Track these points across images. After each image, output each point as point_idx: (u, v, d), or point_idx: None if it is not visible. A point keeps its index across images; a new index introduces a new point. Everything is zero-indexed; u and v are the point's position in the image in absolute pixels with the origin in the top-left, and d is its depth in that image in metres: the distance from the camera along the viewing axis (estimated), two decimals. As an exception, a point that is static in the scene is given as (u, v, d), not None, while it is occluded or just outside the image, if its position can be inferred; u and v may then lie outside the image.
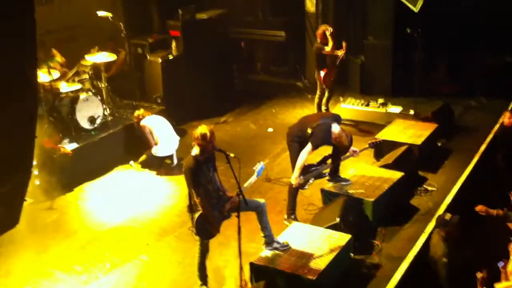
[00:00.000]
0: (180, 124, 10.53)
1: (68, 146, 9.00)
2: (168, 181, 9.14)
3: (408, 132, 9.30)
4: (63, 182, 8.70)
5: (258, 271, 6.33)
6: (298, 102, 11.98)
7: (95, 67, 10.01)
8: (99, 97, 9.62)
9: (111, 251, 7.38)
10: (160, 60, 10.87)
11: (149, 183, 9.14)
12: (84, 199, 8.72)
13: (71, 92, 9.47)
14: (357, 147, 7.70)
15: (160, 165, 9.38)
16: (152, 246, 7.51)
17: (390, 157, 8.56)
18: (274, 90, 12.61)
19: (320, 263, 6.25)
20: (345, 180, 7.85)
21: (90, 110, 9.43)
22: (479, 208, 6.83)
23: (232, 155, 5.81)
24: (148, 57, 11.09)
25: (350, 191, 7.61)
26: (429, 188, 8.34)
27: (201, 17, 11.42)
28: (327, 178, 7.78)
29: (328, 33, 9.91)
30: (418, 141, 8.94)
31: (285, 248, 6.49)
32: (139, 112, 9.46)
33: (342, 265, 6.61)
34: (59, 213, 8.33)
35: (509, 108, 10.06)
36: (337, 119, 7.49)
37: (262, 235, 6.41)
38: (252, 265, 6.35)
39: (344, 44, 10.06)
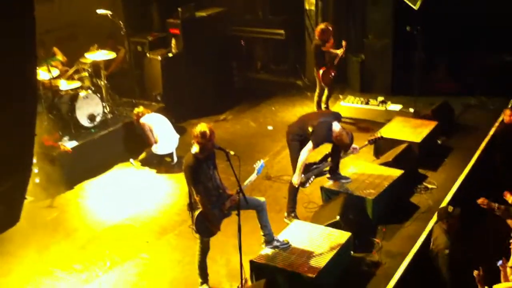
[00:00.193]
0: (180, 122, 10.53)
1: (68, 144, 9.00)
2: (168, 179, 9.14)
3: (408, 130, 9.28)
4: (63, 180, 8.69)
5: (258, 269, 6.33)
6: (298, 100, 11.96)
7: (95, 65, 10.01)
8: (98, 95, 9.63)
9: (111, 249, 7.39)
10: (159, 58, 10.87)
11: (149, 181, 9.14)
12: (84, 197, 8.73)
13: (71, 90, 9.47)
14: (357, 145, 7.69)
15: (160, 163, 9.38)
16: (152, 244, 7.51)
17: (390, 155, 8.56)
18: (274, 88, 12.60)
19: (320, 261, 6.26)
20: (345, 178, 7.84)
21: (89, 108, 9.43)
22: (481, 201, 6.80)
23: (232, 153, 5.82)
24: (148, 55, 11.09)
25: (350, 189, 7.62)
26: (429, 186, 8.34)
27: (200, 15, 11.42)
28: (327, 176, 7.79)
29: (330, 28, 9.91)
30: (418, 138, 8.93)
31: (285, 246, 6.50)
32: (138, 109, 9.47)
33: (342, 263, 6.61)
34: (59, 211, 8.33)
35: (509, 106, 10.05)
36: (337, 117, 7.48)
37: (262, 233, 6.42)
38: (252, 263, 6.35)
39: (344, 43, 10.06)
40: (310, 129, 7.19)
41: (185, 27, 10.96)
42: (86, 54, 9.91)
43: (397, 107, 11.14)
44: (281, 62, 13.47)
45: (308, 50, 12.18)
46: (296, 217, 7.46)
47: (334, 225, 6.87)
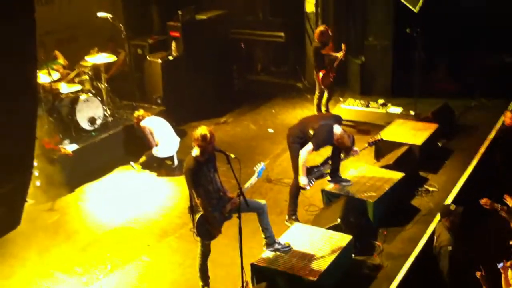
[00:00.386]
0: (180, 125, 10.53)
1: (69, 147, 9.00)
2: (168, 182, 9.14)
3: (409, 132, 9.28)
4: (64, 183, 8.68)
5: (259, 272, 6.32)
6: (298, 102, 11.96)
7: (95, 68, 10.01)
8: (99, 98, 9.62)
9: (111, 252, 7.38)
10: (160, 61, 10.87)
11: (150, 184, 9.13)
12: (84, 200, 8.72)
13: (71, 93, 9.47)
14: (357, 147, 7.69)
15: (161, 166, 9.38)
16: (153, 247, 7.50)
17: (390, 158, 8.55)
18: (274, 91, 12.59)
19: (321, 264, 6.25)
20: (346, 180, 7.84)
21: (90, 111, 9.43)
22: (484, 201, 6.80)
23: (232, 155, 5.81)
24: (148, 58, 11.09)
25: (351, 192, 7.61)
26: (430, 189, 8.33)
27: (201, 18, 11.42)
28: (328, 178, 7.78)
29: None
30: (419, 141, 8.93)
31: (286, 249, 6.49)
32: (139, 112, 9.46)
33: (343, 266, 6.61)
34: (60, 214, 8.33)
35: (510, 108, 10.05)
36: (338, 120, 7.49)
37: (263, 236, 6.41)
38: (253, 266, 6.34)
39: (343, 46, 10.05)
40: (311, 131, 7.19)
41: (185, 30, 10.96)
42: (86, 57, 9.91)
43: (398, 109, 11.14)
44: (281, 64, 13.47)
45: (308, 52, 12.19)
46: (297, 220, 7.45)
47: (335, 228, 6.87)
